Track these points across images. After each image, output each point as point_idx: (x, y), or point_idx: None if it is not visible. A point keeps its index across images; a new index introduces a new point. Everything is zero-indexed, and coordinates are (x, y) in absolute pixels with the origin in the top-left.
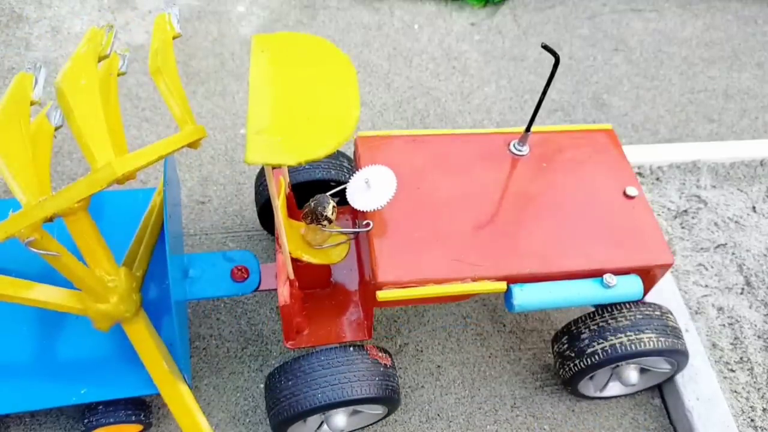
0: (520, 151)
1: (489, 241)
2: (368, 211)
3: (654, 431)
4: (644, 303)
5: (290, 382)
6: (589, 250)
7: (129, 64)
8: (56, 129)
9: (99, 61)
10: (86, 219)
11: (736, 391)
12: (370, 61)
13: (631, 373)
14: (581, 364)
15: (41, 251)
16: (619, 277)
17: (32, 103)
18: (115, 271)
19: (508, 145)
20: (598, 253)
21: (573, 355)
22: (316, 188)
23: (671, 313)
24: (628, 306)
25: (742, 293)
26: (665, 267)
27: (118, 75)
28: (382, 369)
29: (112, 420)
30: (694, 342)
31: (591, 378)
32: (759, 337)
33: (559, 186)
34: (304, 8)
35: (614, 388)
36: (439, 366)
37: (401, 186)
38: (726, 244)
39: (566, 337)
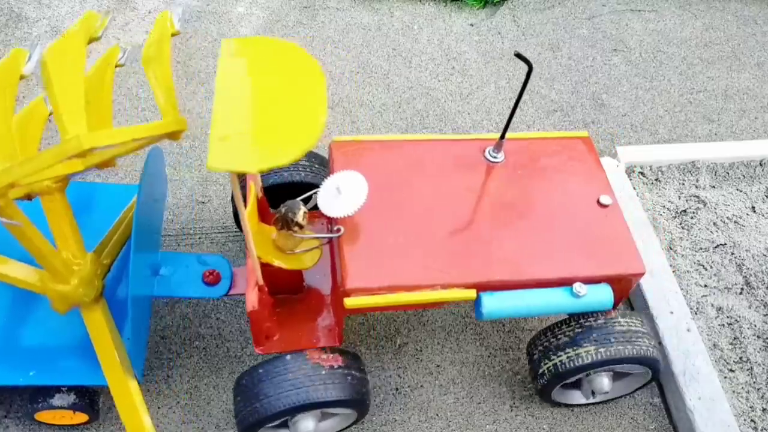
0: (495, 157)
1: (460, 249)
2: (339, 217)
3: (654, 431)
4: (614, 313)
5: (239, 397)
6: (560, 258)
7: (129, 64)
8: (50, 114)
9: (89, 43)
10: (62, 201)
11: (736, 391)
12: (370, 62)
13: (603, 380)
14: (549, 373)
15: (4, 220)
16: (589, 286)
17: (22, 77)
18: (82, 255)
19: (484, 151)
20: (569, 262)
21: (541, 364)
22: (297, 190)
23: (635, 320)
24: (595, 316)
25: (741, 293)
26: (637, 276)
27: (117, 66)
28: (324, 372)
29: (58, 404)
30: (695, 342)
31: (565, 387)
32: (758, 337)
33: (533, 193)
34: (304, 9)
35: (584, 396)
36: (438, 365)
37: (374, 192)
38: (725, 244)
39: (536, 346)
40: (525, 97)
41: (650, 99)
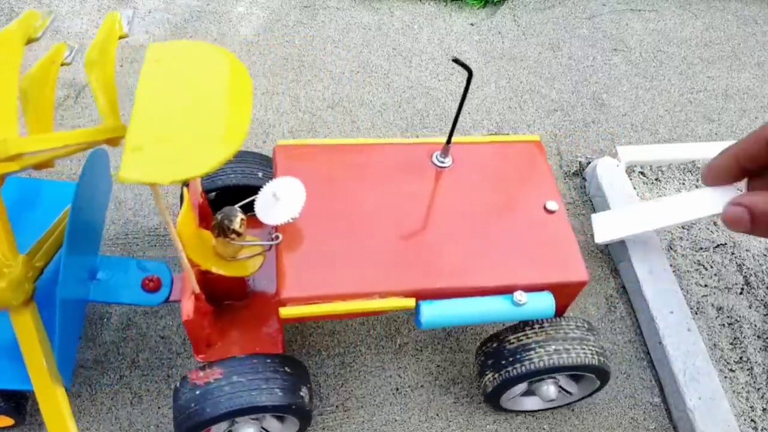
0: (442, 162)
1: (401, 256)
2: (278, 224)
3: (654, 431)
4: (558, 319)
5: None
6: (502, 266)
7: (74, 58)
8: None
9: (27, 43)
10: None
11: (736, 391)
12: (370, 62)
13: (549, 388)
14: (498, 378)
15: None
16: (530, 294)
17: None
18: (14, 257)
19: (431, 156)
20: (511, 270)
21: (484, 371)
22: (251, 192)
23: (580, 326)
24: (539, 323)
25: (741, 293)
26: (580, 284)
27: (62, 65)
28: (199, 392)
29: None
30: (695, 342)
31: (511, 391)
32: (759, 337)
33: (478, 199)
34: (304, 8)
35: (532, 403)
36: (438, 365)
37: (317, 198)
38: (725, 243)
39: (480, 353)
40: (525, 96)
41: (650, 99)
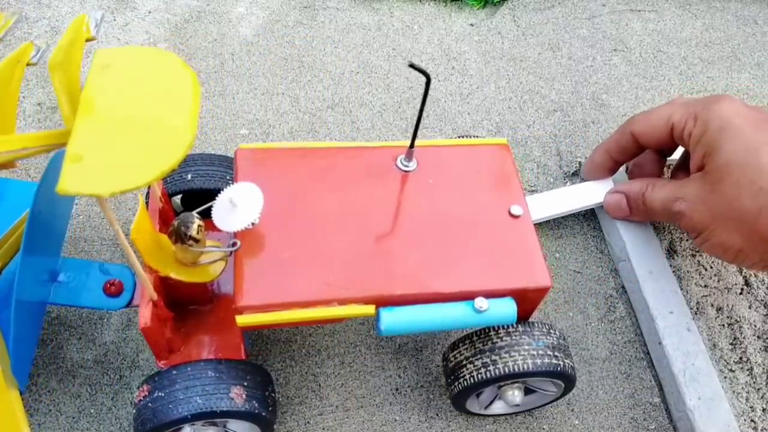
0: (407, 166)
1: (361, 262)
2: (235, 231)
3: (654, 431)
4: (522, 324)
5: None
6: (463, 271)
7: (41, 58)
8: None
9: None
10: None
11: (736, 391)
12: (370, 62)
13: (515, 392)
14: (462, 383)
15: None
16: (491, 300)
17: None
18: None
19: (395, 160)
20: (473, 275)
21: (449, 375)
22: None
23: (545, 332)
24: (503, 328)
25: (741, 293)
26: (543, 290)
27: (28, 65)
28: (135, 411)
29: None
30: (695, 342)
31: (478, 396)
32: (758, 337)
33: (442, 203)
34: (304, 9)
35: (499, 407)
36: (438, 365)
37: (277, 203)
38: None
39: (446, 357)
40: (525, 97)
41: (650, 99)
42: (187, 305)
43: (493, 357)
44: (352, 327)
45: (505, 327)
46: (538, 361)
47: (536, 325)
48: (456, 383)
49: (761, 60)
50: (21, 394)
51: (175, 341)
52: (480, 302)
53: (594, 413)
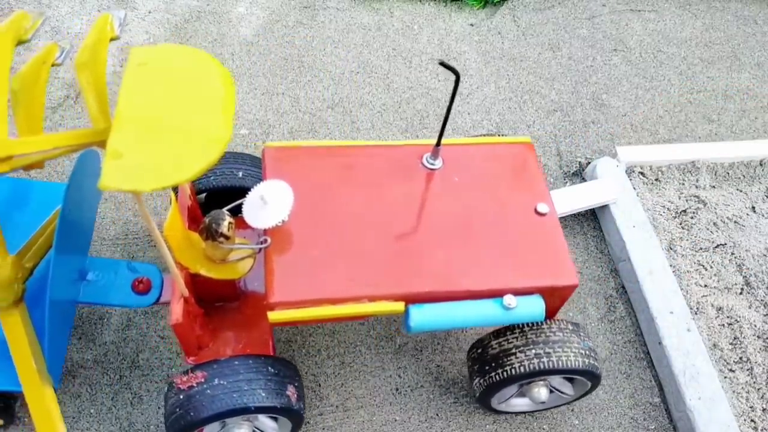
0: (432, 164)
1: (390, 259)
2: (265, 228)
3: (654, 431)
4: (553, 322)
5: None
6: (491, 269)
7: (66, 59)
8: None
9: (17, 45)
10: None
11: (736, 392)
12: (370, 62)
13: (541, 390)
14: (507, 371)
15: None
16: (520, 297)
17: (53, 65)
18: (3, 258)
19: (421, 158)
20: (501, 273)
21: (475, 373)
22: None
23: (570, 329)
24: (536, 325)
25: (741, 293)
26: (570, 288)
27: (53, 65)
28: (182, 397)
29: None
30: (695, 342)
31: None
32: (758, 337)
33: (468, 201)
34: (304, 9)
35: (525, 404)
36: (438, 365)
37: (305, 200)
38: (725, 244)
39: (471, 355)
40: (525, 97)
41: (650, 99)
42: (215, 302)
43: (547, 350)
44: (352, 327)
45: (557, 323)
46: (585, 361)
47: (580, 326)
48: (499, 371)
49: (761, 60)
50: (55, 391)
51: (204, 337)
52: (509, 300)
53: (594, 413)
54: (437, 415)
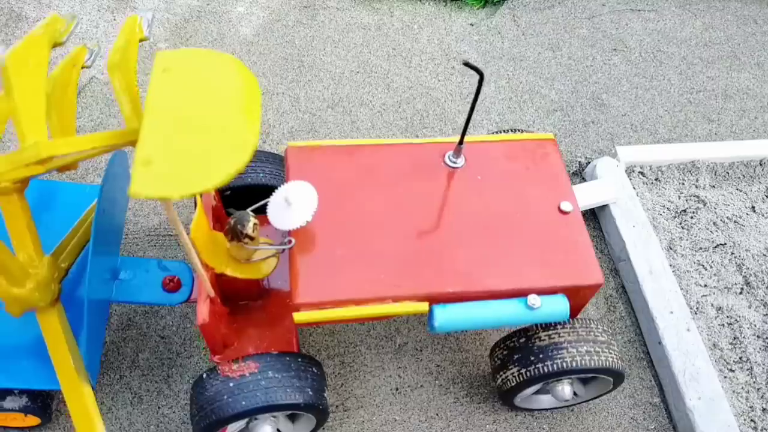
0: (455, 162)
1: (413, 259)
2: (289, 229)
3: (654, 431)
4: (576, 322)
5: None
6: (515, 268)
7: (94, 60)
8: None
9: (53, 47)
10: (20, 202)
11: (736, 392)
12: (370, 62)
13: (566, 388)
14: (557, 365)
15: None
16: (544, 297)
17: (84, 67)
18: (40, 258)
19: (443, 156)
20: (525, 272)
21: (499, 372)
22: (264, 189)
23: (595, 329)
24: (561, 324)
25: (741, 293)
26: (595, 287)
27: (83, 67)
28: (233, 384)
29: (9, 407)
30: (695, 342)
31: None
32: (758, 337)
33: (492, 200)
34: (304, 8)
35: (545, 401)
36: (438, 365)
37: (328, 200)
38: (725, 243)
39: (495, 354)
40: (525, 96)
41: (650, 99)
42: (239, 301)
43: (597, 348)
44: (351, 327)
45: (602, 324)
46: (621, 364)
47: (602, 323)
48: (547, 363)
49: (761, 60)
50: (93, 389)
51: (229, 336)
52: (533, 299)
53: (594, 413)
54: (437, 415)
